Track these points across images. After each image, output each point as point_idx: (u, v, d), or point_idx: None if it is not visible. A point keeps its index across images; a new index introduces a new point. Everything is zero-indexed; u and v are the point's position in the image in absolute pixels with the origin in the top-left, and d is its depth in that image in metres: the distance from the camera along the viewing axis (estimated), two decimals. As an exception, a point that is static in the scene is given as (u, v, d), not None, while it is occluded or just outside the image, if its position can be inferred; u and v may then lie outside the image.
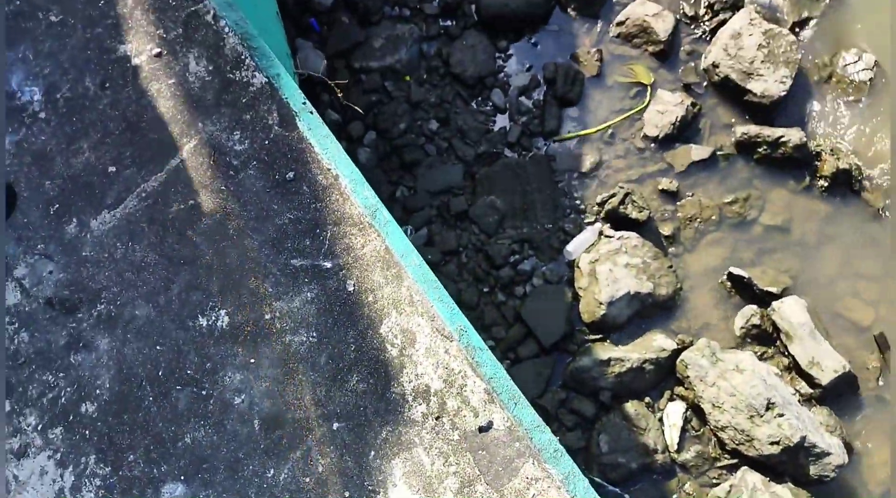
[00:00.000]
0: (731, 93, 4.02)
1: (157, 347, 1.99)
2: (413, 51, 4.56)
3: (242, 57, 2.24)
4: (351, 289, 1.91)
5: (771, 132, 3.78)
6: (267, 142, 2.14)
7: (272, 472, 1.84)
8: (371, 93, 4.47)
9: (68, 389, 2.02)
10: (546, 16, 4.50)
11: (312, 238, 2.00)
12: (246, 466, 1.86)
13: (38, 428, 2.00)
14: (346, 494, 1.75)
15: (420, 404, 1.78)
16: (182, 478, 1.89)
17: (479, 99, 4.48)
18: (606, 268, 3.71)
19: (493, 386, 1.69)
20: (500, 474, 1.66)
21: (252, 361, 1.91)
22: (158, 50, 2.31)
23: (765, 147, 3.81)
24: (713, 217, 3.84)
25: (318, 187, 2.04)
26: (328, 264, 1.95)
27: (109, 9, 2.42)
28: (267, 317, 1.95)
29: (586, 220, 4.00)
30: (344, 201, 2.01)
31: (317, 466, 1.80)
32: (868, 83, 3.87)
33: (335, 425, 1.81)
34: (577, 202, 4.06)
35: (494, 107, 4.44)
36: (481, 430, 1.67)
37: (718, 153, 3.93)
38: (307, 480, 1.80)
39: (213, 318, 1.99)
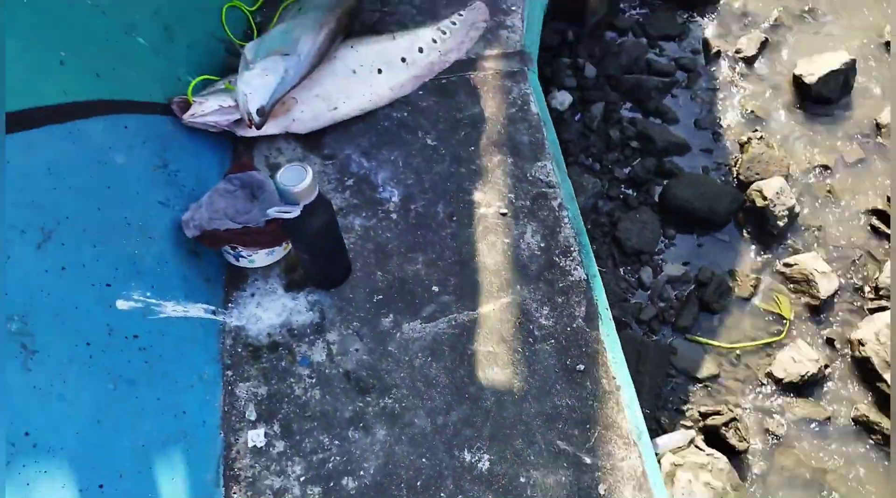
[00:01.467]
0: (866, 374, 4.38)
1: (423, 460, 2.35)
2: (590, 201, 5.02)
3: (571, 249, 2.66)
4: (602, 492, 2.28)
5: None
6: (569, 329, 2.53)
7: None
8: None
9: (338, 457, 2.36)
10: (721, 226, 4.95)
11: (581, 430, 2.37)
12: None
13: (301, 479, 2.33)
14: None
15: None
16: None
17: (629, 268, 4.91)
18: (687, 477, 4.08)
19: None
20: None
21: (498, 512, 2.27)
22: (505, 211, 2.73)
23: (874, 444, 4.20)
24: (806, 475, 4.20)
25: (600, 389, 2.43)
26: (588, 460, 2.33)
27: (474, 157, 2.84)
28: (521, 479, 2.31)
29: (682, 422, 4.37)
30: (618, 412, 2.39)
31: None
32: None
33: None
34: (681, 402, 4.43)
35: (639, 282, 4.87)
36: None
37: (833, 420, 4.30)
38: None
39: (477, 458, 2.35)
